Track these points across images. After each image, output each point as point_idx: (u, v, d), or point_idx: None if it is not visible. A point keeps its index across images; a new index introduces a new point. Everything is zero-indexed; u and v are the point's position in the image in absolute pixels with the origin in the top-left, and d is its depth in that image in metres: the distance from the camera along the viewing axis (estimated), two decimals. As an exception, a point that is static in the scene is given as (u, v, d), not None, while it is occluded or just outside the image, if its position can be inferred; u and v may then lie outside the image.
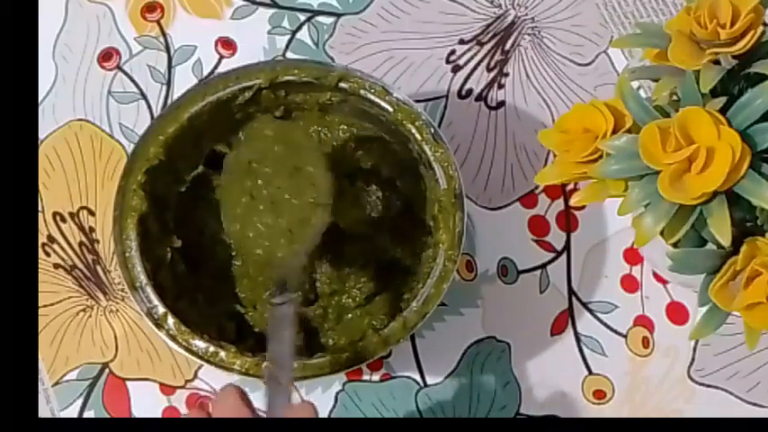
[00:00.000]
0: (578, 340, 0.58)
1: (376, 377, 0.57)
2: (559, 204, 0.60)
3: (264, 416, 0.43)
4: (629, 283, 0.59)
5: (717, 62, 0.43)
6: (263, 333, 0.53)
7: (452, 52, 0.64)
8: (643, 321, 0.58)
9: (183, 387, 0.56)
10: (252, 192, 0.49)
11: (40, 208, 0.60)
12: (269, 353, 0.46)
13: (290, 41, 0.64)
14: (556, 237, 0.60)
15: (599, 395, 0.57)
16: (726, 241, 0.40)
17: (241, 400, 0.42)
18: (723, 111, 0.41)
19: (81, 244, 0.59)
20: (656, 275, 0.59)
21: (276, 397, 0.44)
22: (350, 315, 0.54)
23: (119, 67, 0.63)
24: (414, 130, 0.54)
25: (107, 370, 0.57)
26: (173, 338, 0.50)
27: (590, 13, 0.65)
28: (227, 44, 0.64)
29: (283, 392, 0.44)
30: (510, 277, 0.59)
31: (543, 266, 0.59)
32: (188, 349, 0.50)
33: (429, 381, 0.57)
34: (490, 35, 0.65)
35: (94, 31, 0.64)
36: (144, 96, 0.63)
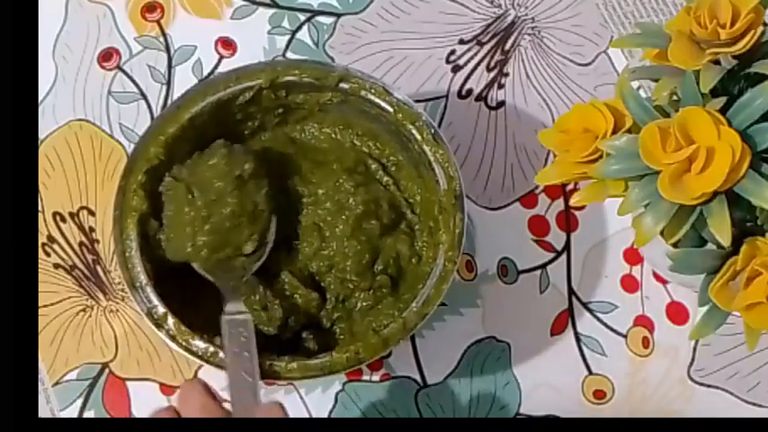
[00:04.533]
0: (578, 340, 0.58)
1: (376, 377, 0.57)
2: (559, 204, 0.60)
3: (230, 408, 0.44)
4: (629, 283, 0.59)
5: (717, 62, 0.43)
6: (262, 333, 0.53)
7: (452, 52, 0.64)
8: (643, 321, 0.58)
9: (183, 387, 0.56)
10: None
11: (40, 208, 0.60)
12: (228, 367, 0.48)
13: (290, 41, 0.64)
14: (556, 237, 0.60)
15: (599, 395, 0.57)
16: (726, 241, 0.40)
17: (207, 396, 0.43)
18: (723, 111, 0.41)
19: (81, 244, 0.59)
20: (656, 275, 0.59)
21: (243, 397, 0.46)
22: (354, 317, 0.54)
23: (119, 67, 0.63)
24: (414, 131, 0.54)
25: (107, 370, 0.57)
26: (173, 338, 0.50)
27: (590, 13, 0.65)
28: (227, 44, 0.64)
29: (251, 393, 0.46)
30: (510, 277, 0.59)
31: (543, 266, 0.59)
32: (188, 349, 0.50)
33: (429, 381, 0.57)
34: (490, 35, 0.65)
35: (94, 31, 0.64)
36: (144, 96, 0.63)
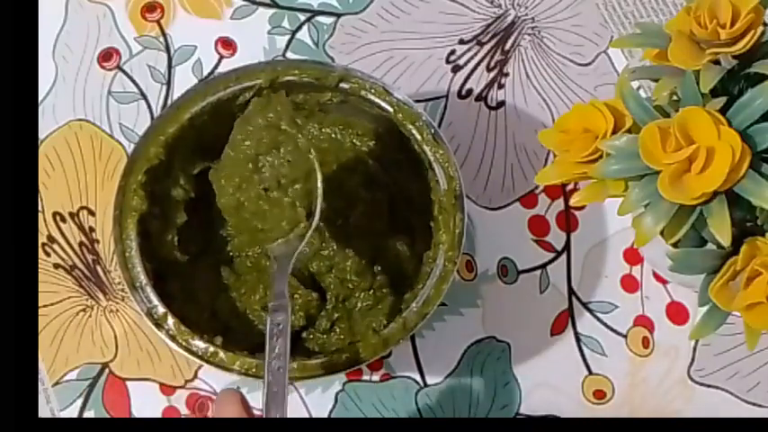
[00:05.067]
0: (578, 340, 0.58)
1: (376, 377, 0.57)
2: (559, 204, 0.60)
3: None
4: (629, 283, 0.59)
5: (717, 62, 0.43)
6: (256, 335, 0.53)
7: (452, 52, 0.64)
8: (643, 321, 0.58)
9: (182, 387, 0.56)
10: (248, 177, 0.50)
11: (40, 208, 0.60)
12: (266, 362, 0.45)
13: (290, 41, 0.64)
14: (556, 237, 0.60)
15: (599, 395, 0.57)
16: (726, 241, 0.40)
17: (242, 408, 0.42)
18: (723, 111, 0.41)
19: (81, 244, 0.59)
20: (656, 275, 0.59)
21: (271, 405, 0.43)
22: (354, 317, 0.54)
23: (119, 67, 0.63)
24: (414, 131, 0.54)
25: (107, 370, 0.57)
26: (173, 338, 0.50)
27: (590, 13, 0.65)
28: (227, 44, 0.64)
29: (279, 402, 0.43)
30: (510, 277, 0.59)
31: (543, 266, 0.59)
32: (188, 349, 0.50)
33: (429, 381, 0.57)
34: (490, 35, 0.65)
35: (94, 31, 0.64)
36: (144, 96, 0.63)
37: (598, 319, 0.58)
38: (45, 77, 0.63)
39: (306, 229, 0.50)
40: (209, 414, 0.43)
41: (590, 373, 0.57)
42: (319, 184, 0.49)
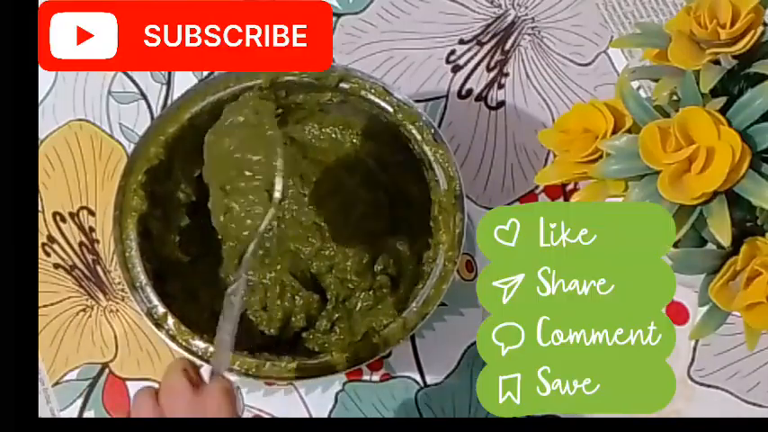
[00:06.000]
0: (578, 340, 0.58)
1: (376, 377, 0.57)
2: (559, 204, 0.60)
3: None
4: (629, 283, 0.59)
5: (717, 62, 0.43)
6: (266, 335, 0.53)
7: (452, 52, 0.64)
8: (643, 321, 0.58)
9: (183, 387, 0.56)
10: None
11: (40, 208, 0.60)
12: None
13: (290, 41, 0.64)
14: (556, 237, 0.60)
15: (599, 395, 0.57)
16: (726, 241, 0.40)
17: (187, 378, 0.41)
18: (723, 111, 0.41)
19: (81, 244, 0.59)
20: (656, 275, 0.59)
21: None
22: (354, 317, 0.54)
23: (119, 67, 0.63)
24: (414, 131, 0.54)
25: (107, 370, 0.57)
26: (173, 338, 0.50)
27: (590, 13, 0.65)
28: (227, 44, 0.64)
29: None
30: (510, 277, 0.59)
31: (543, 266, 0.59)
32: (188, 349, 0.50)
33: (429, 381, 0.57)
34: (490, 35, 0.65)
35: (94, 31, 0.64)
36: (144, 96, 0.63)
37: (598, 319, 0.58)
38: (45, 77, 0.63)
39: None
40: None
41: (590, 373, 0.57)
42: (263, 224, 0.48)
